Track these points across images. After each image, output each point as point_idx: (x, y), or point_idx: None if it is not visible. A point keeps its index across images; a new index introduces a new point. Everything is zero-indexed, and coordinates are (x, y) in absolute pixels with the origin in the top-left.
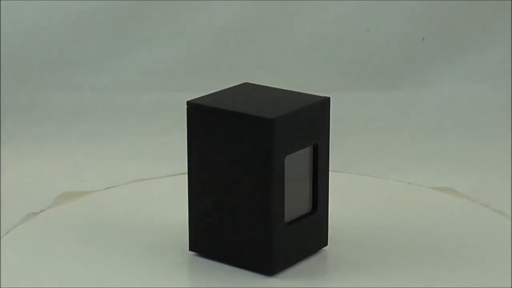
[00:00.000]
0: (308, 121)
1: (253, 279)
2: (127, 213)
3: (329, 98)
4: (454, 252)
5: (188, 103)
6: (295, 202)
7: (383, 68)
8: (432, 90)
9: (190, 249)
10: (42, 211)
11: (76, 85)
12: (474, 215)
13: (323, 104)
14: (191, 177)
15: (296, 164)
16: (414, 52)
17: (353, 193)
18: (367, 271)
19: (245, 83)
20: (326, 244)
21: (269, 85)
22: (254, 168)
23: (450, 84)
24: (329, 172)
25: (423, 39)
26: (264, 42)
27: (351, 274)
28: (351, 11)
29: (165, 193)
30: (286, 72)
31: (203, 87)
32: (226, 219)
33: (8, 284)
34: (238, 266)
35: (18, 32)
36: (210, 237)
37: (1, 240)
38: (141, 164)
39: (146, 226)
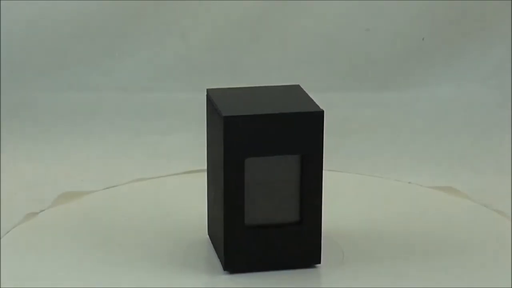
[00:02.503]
0: (291, 129)
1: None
2: (127, 213)
3: (323, 111)
4: (454, 252)
5: (207, 90)
6: (274, 208)
7: (383, 68)
8: (432, 90)
9: (208, 234)
10: (42, 211)
11: (76, 85)
12: (474, 215)
13: (313, 116)
14: (207, 164)
15: (285, 171)
16: (414, 52)
17: (353, 193)
18: (366, 270)
19: (296, 85)
20: (319, 262)
21: (269, 85)
22: (218, 164)
23: (450, 84)
24: (332, 173)
25: (423, 39)
26: (264, 42)
27: (346, 273)
28: (351, 11)
29: (166, 192)
30: (286, 72)
31: (203, 87)
32: (214, 210)
33: (8, 284)
34: (219, 257)
35: (18, 32)
36: (211, 225)
37: (1, 240)
38: (141, 164)
39: (147, 225)
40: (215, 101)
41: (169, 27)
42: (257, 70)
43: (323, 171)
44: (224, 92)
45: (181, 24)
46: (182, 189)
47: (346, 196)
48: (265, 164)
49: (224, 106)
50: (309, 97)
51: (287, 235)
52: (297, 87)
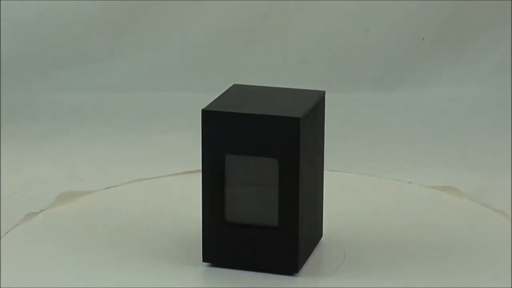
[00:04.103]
0: (268, 131)
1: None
2: (127, 213)
3: (299, 118)
4: (454, 252)
5: (233, 85)
6: (255, 209)
7: (383, 68)
8: (432, 90)
9: None
10: (42, 211)
11: (76, 85)
12: (474, 215)
13: (289, 121)
14: None
15: (265, 173)
16: (414, 52)
17: (353, 193)
18: (366, 269)
19: (320, 91)
20: (296, 271)
21: (268, 85)
22: None
23: (450, 84)
24: (332, 173)
25: (423, 39)
26: (264, 42)
27: (345, 272)
28: (351, 11)
29: (165, 192)
30: (286, 72)
31: (203, 87)
32: None
33: (8, 284)
34: None
35: (18, 32)
36: None
37: (1, 240)
38: (141, 164)
39: (146, 225)
40: (221, 95)
41: (169, 27)
42: (257, 70)
43: (325, 171)
44: (243, 88)
45: (181, 24)
46: (182, 189)
47: (346, 196)
48: (248, 163)
49: (218, 101)
50: (310, 104)
51: (264, 238)
52: (318, 93)
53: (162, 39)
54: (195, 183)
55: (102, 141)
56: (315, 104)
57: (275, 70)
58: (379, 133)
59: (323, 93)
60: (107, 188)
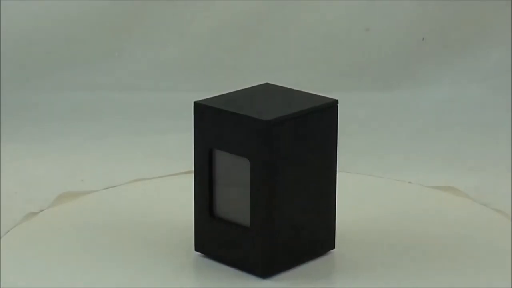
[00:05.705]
0: (243, 131)
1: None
2: (127, 213)
3: (266, 121)
4: (454, 252)
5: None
6: (241, 208)
7: (383, 68)
8: (432, 90)
9: None
10: (42, 211)
11: (76, 85)
12: (474, 215)
13: (257, 123)
14: None
15: (240, 173)
16: (414, 52)
17: (353, 192)
18: (364, 269)
19: (332, 99)
20: (266, 275)
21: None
22: None
23: (450, 84)
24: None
25: (423, 39)
26: (264, 42)
27: (344, 272)
28: (351, 11)
29: (165, 192)
30: (286, 72)
31: (203, 87)
32: None
33: (8, 284)
34: None
35: (18, 32)
36: None
37: (1, 240)
38: (141, 164)
39: (146, 225)
40: (233, 91)
41: (169, 27)
42: (258, 69)
43: None
44: (266, 87)
45: (181, 24)
46: (182, 189)
47: (346, 196)
48: (236, 162)
49: (219, 96)
50: (300, 109)
51: (242, 237)
52: (328, 100)
53: (162, 39)
54: None
55: (102, 141)
56: (310, 110)
57: (275, 70)
58: (379, 133)
59: (335, 101)
60: (107, 188)
